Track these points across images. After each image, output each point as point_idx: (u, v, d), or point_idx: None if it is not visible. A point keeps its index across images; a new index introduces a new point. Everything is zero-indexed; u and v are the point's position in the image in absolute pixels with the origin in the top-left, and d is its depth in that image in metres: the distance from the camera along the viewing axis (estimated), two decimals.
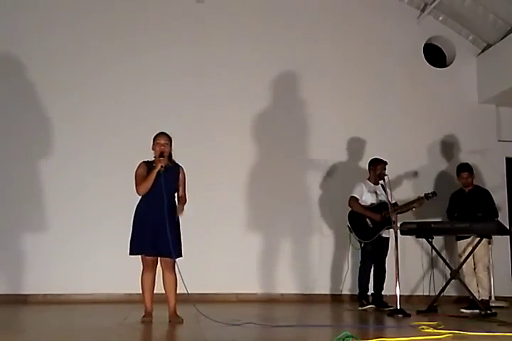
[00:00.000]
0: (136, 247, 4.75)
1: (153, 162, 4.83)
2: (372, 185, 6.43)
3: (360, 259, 6.42)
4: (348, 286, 7.15)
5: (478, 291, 6.19)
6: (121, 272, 6.42)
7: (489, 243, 6.51)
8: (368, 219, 6.27)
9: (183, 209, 4.79)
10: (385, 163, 6.36)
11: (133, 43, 7.28)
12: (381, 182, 6.14)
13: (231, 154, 7.18)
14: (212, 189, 6.96)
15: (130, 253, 4.79)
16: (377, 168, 6.37)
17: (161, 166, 4.70)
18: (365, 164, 6.74)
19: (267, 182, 7.25)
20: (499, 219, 6.35)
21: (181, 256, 4.75)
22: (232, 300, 6.87)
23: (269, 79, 7.48)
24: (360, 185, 6.44)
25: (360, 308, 6.21)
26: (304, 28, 7.68)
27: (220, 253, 6.89)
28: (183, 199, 4.86)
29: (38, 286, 6.54)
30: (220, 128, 7.23)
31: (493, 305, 6.49)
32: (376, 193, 6.37)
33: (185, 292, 4.65)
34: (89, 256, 6.70)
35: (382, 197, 6.20)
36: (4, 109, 6.94)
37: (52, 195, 6.81)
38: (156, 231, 4.64)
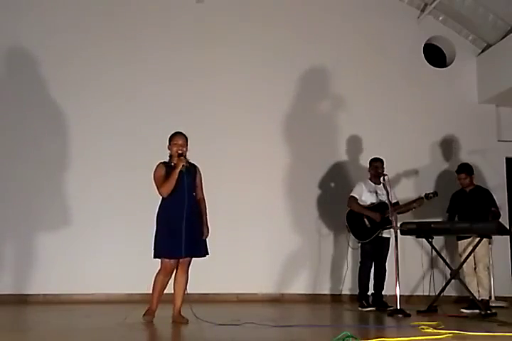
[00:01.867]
0: (168, 250, 4.64)
1: (170, 162, 4.81)
2: (372, 184, 6.42)
3: (359, 259, 6.43)
4: (347, 286, 7.15)
5: (478, 291, 6.20)
6: (121, 272, 6.44)
7: (489, 243, 6.52)
8: (365, 219, 6.27)
9: (208, 230, 4.81)
10: (381, 161, 6.35)
11: (133, 43, 7.26)
12: (382, 181, 6.14)
13: (231, 154, 7.17)
14: (213, 189, 6.93)
15: (156, 257, 4.69)
16: (372, 166, 6.38)
17: (183, 165, 4.69)
18: (365, 164, 6.74)
19: (266, 181, 7.25)
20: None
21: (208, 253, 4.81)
22: (232, 300, 6.87)
23: (268, 79, 7.46)
24: (359, 185, 6.44)
25: (360, 309, 6.22)
26: (304, 27, 7.68)
27: (221, 253, 6.86)
28: (203, 205, 4.85)
29: (38, 286, 6.55)
30: (219, 128, 7.21)
31: (493, 305, 6.49)
32: (377, 193, 6.35)
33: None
34: (90, 256, 6.70)
35: (383, 197, 6.17)
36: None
37: (52, 195, 6.80)
38: (187, 232, 4.59)
